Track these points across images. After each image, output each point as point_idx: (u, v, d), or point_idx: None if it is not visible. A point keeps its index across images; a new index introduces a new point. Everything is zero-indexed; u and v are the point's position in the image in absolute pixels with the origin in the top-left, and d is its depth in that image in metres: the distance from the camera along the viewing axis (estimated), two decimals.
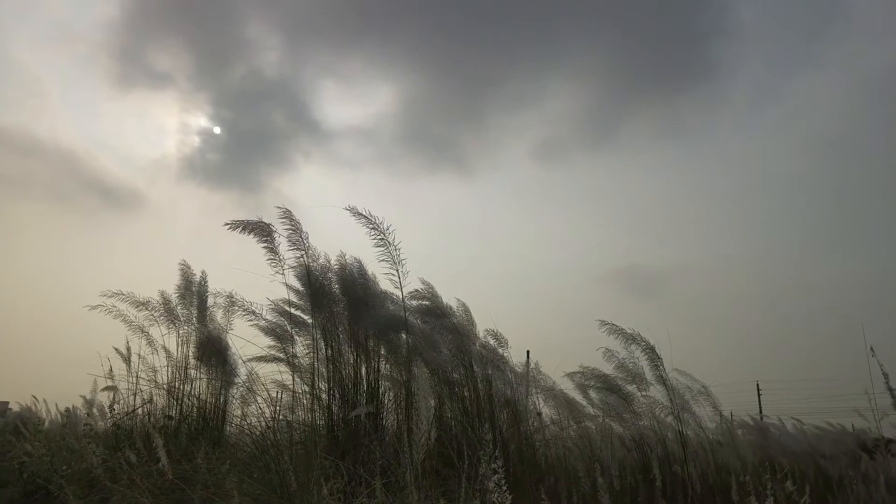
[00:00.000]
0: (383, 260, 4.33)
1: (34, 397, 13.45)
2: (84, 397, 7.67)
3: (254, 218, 4.29)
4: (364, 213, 4.22)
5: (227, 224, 4.20)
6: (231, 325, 5.83)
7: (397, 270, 4.35)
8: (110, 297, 5.76)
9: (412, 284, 4.73)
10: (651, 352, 4.91)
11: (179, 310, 5.95)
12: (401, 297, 4.49)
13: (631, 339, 4.92)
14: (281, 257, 4.42)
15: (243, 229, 4.25)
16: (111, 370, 6.50)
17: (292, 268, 4.51)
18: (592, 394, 5.41)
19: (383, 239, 4.25)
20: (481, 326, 5.04)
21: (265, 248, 4.37)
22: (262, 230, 4.31)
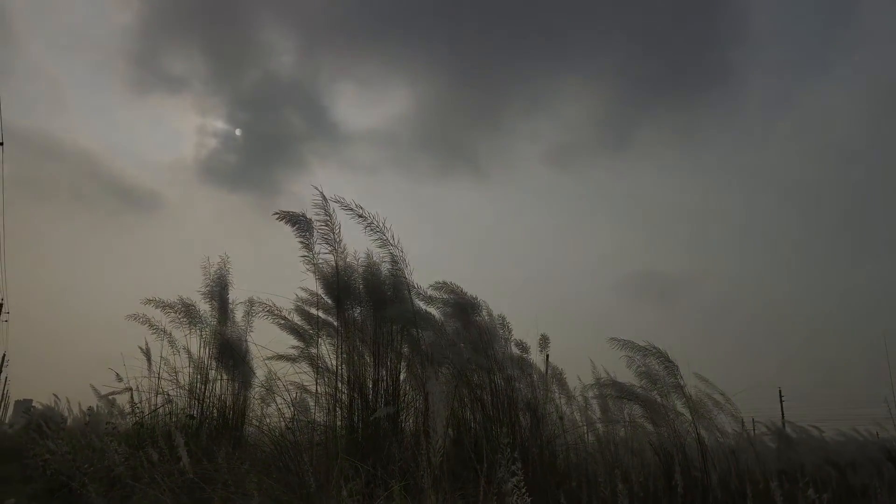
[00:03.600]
0: (384, 261, 4.35)
1: (55, 396, 13.68)
2: (105, 396, 7.77)
3: (297, 211, 4.34)
4: (353, 207, 4.17)
5: (276, 214, 4.32)
6: (251, 325, 5.87)
7: (405, 270, 4.37)
8: (146, 303, 5.86)
9: (429, 283, 4.76)
10: (666, 361, 4.87)
11: (203, 310, 6.00)
12: (409, 296, 4.51)
13: (644, 351, 4.89)
14: (315, 255, 4.40)
15: (288, 221, 4.31)
16: (117, 376, 6.59)
17: (319, 265, 4.50)
18: (610, 403, 5.39)
19: (383, 238, 4.24)
20: (502, 328, 5.05)
21: (301, 243, 4.36)
22: (303, 225, 4.33)
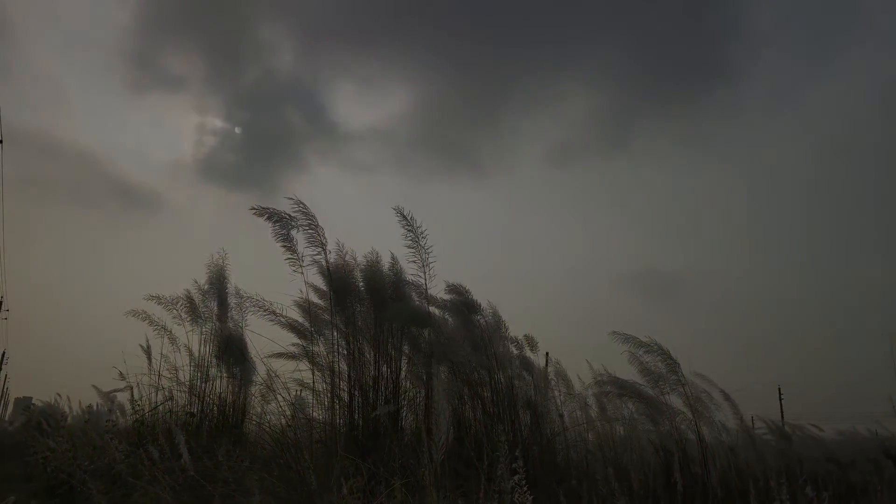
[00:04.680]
0: (412, 261, 4.39)
1: (57, 395, 13.68)
2: (107, 394, 7.77)
3: (277, 208, 4.29)
4: (406, 216, 4.33)
5: (254, 209, 4.23)
6: (247, 322, 5.87)
7: (425, 272, 4.41)
8: (148, 299, 5.87)
9: (438, 285, 4.78)
10: (668, 358, 4.87)
11: (202, 308, 6.00)
12: (425, 294, 4.54)
13: (646, 346, 4.89)
14: (300, 255, 4.36)
15: (268, 217, 4.25)
16: (120, 374, 6.59)
17: (315, 263, 4.52)
18: (608, 402, 5.40)
19: (416, 241, 4.31)
20: (501, 327, 5.05)
21: (283, 246, 4.33)
22: (282, 222, 4.27)
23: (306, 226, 4.36)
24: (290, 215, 4.28)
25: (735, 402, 5.59)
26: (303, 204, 4.32)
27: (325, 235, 4.44)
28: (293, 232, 4.33)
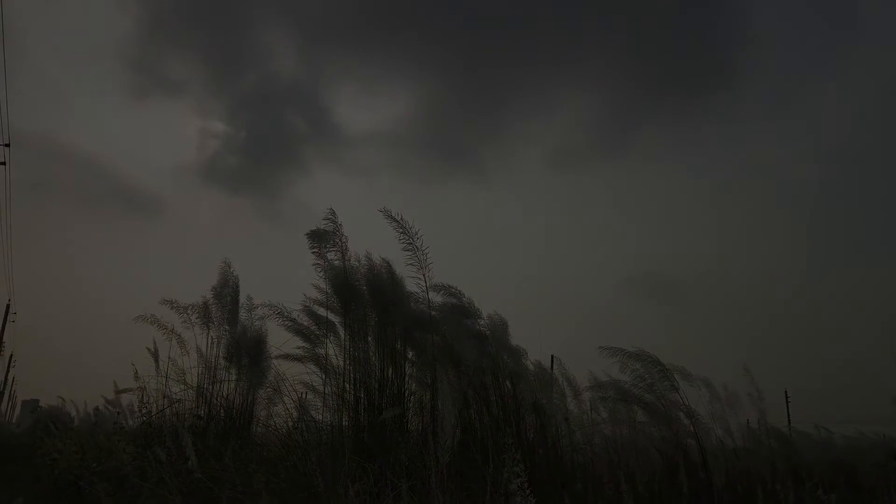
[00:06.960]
0: (410, 263, 4.40)
1: (61, 398, 13.75)
2: (116, 395, 7.81)
3: (319, 227, 4.65)
4: (396, 218, 4.32)
5: (307, 235, 4.68)
6: (265, 326, 5.90)
7: (423, 275, 4.41)
8: (162, 303, 5.92)
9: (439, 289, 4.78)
10: (658, 365, 4.86)
11: (213, 311, 6.02)
12: (426, 298, 4.54)
13: (635, 357, 4.87)
14: (326, 262, 4.63)
15: (318, 239, 4.65)
16: (136, 373, 6.62)
17: (325, 269, 4.60)
18: (611, 405, 5.39)
19: (411, 243, 4.30)
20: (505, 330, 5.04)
21: (314, 252, 4.64)
22: (320, 237, 4.64)
23: (333, 231, 4.68)
24: (326, 231, 4.64)
25: (762, 406, 5.64)
26: (333, 211, 4.67)
27: (347, 243, 4.70)
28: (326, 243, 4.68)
